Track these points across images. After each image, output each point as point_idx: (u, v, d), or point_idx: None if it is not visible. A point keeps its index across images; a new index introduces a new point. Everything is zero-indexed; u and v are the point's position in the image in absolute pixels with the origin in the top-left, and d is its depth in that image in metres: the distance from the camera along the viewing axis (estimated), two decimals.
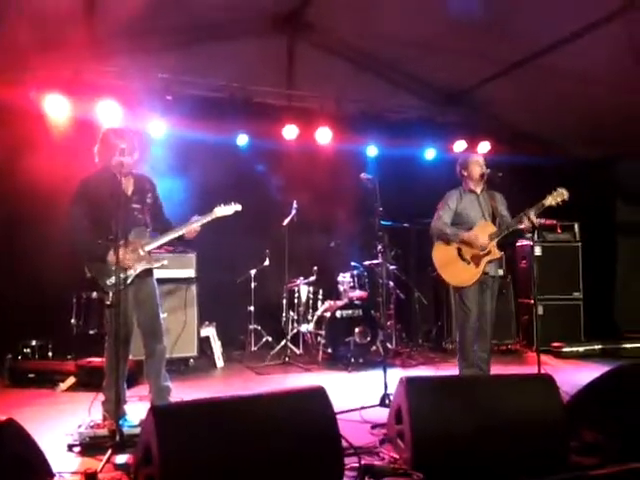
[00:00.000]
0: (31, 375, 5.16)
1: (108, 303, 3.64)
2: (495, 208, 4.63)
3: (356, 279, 6.69)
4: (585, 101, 6.51)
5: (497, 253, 4.52)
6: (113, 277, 3.54)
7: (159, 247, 4.04)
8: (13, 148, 5.84)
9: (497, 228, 4.52)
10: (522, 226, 4.37)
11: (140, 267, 3.83)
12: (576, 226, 7.30)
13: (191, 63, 6.24)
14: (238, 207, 4.18)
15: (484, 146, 7.71)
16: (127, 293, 3.76)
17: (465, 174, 4.71)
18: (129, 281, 3.77)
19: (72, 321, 5.80)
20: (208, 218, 4.04)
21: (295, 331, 6.83)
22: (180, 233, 3.95)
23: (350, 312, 6.26)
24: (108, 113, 6.09)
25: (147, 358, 3.96)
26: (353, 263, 6.81)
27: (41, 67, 5.69)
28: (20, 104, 5.79)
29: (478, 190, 4.69)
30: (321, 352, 6.27)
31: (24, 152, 5.85)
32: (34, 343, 5.65)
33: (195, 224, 3.97)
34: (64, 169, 5.89)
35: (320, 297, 7.00)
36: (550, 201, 4.27)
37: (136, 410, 3.86)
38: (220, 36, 6.37)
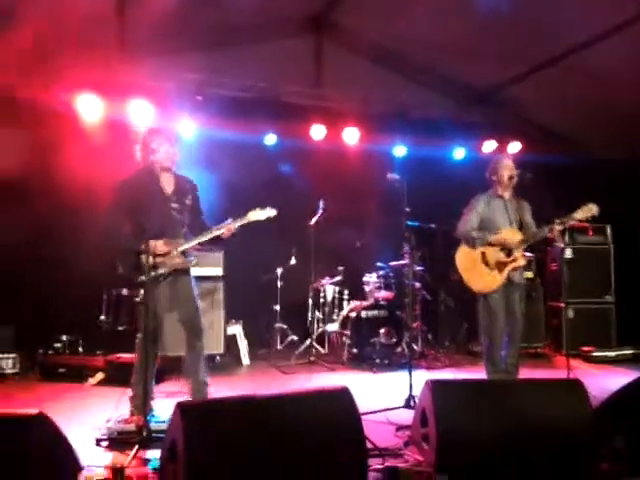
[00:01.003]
0: (61, 369, 5.28)
1: (138, 300, 3.75)
2: (522, 217, 4.58)
3: (382, 279, 6.66)
4: (616, 101, 6.39)
5: (522, 261, 4.46)
6: (143, 275, 3.65)
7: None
8: (47, 148, 5.99)
9: (524, 236, 4.45)
10: (550, 235, 4.34)
11: (172, 266, 3.88)
12: (608, 228, 7.15)
13: (220, 63, 6.30)
14: (273, 212, 4.14)
15: (514, 146, 7.62)
16: (159, 291, 3.85)
17: (494, 179, 4.64)
18: (161, 279, 3.84)
19: (102, 317, 5.91)
20: (242, 222, 4.04)
21: (320, 330, 6.84)
22: (213, 235, 3.98)
23: (376, 312, 6.24)
24: (140, 113, 6.20)
25: (187, 353, 4.04)
26: (379, 263, 6.78)
27: (73, 68, 5.79)
28: (53, 105, 5.92)
29: (506, 195, 4.62)
30: (346, 352, 6.26)
31: (58, 152, 5.98)
32: (65, 338, 5.77)
33: (228, 227, 3.98)
34: (97, 169, 6.01)
35: (346, 297, 6.99)
36: (580, 216, 4.25)
37: (164, 406, 3.91)
38: (249, 37, 6.42)
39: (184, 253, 3.95)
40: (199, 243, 4.00)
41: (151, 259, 3.73)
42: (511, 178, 4.54)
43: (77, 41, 5.43)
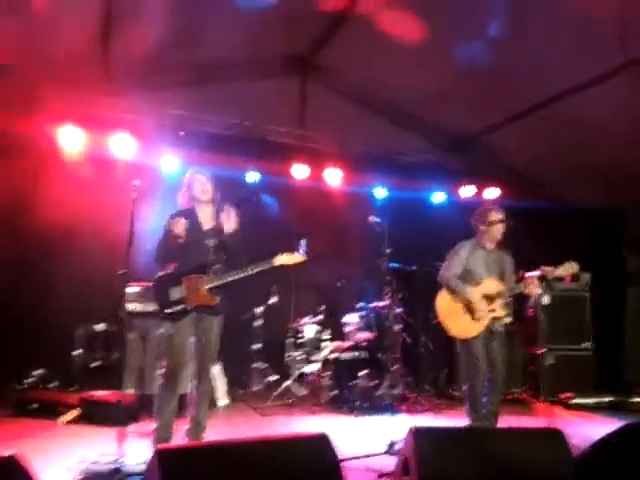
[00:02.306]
0: (35, 405, 5.12)
1: (168, 333, 3.88)
2: (503, 271, 4.59)
3: (363, 320, 6.63)
4: (593, 150, 6.58)
5: (502, 313, 4.48)
6: (168, 309, 3.83)
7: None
8: (28, 181, 5.94)
9: (503, 288, 4.47)
10: (526, 291, 4.40)
11: (197, 302, 3.90)
12: (586, 276, 7.24)
13: (204, 100, 6.36)
14: (300, 258, 4.11)
15: (493, 192, 7.76)
16: (181, 326, 3.90)
17: (482, 228, 4.59)
18: (186, 314, 3.90)
19: (76, 352, 5.78)
20: (267, 265, 4.01)
21: (300, 372, 6.75)
22: (240, 276, 3.95)
23: (356, 354, 6.20)
24: (122, 146, 6.21)
25: (193, 391, 4.03)
26: (360, 304, 6.77)
27: (56, 100, 5.81)
28: (35, 136, 5.90)
29: (490, 246, 4.63)
30: (326, 394, 6.17)
31: (38, 184, 5.95)
32: (38, 372, 5.62)
33: (255, 269, 3.96)
34: (78, 202, 6.00)
35: (326, 337, 6.92)
36: (560, 272, 4.33)
37: (139, 447, 3.81)
38: (233, 75, 6.53)
39: (211, 291, 3.94)
40: (226, 282, 3.97)
41: (177, 293, 3.86)
42: (501, 230, 4.56)
43: (61, 74, 5.46)
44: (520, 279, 4.57)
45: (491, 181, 7.81)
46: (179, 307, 3.87)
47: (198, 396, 4.03)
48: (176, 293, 3.89)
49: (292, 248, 6.46)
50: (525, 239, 5.20)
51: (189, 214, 4.05)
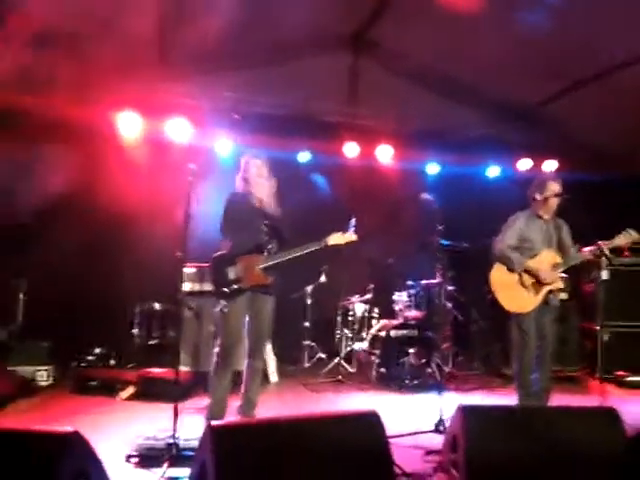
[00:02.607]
0: (93, 383, 5.34)
1: (224, 311, 3.98)
2: (561, 238, 4.50)
3: (413, 298, 6.61)
4: None
5: (559, 284, 4.38)
6: (225, 287, 3.95)
7: None
8: (89, 166, 6.15)
9: (563, 260, 4.38)
10: (588, 260, 4.30)
11: (252, 282, 3.99)
12: None
13: (257, 82, 6.38)
14: (353, 237, 4.16)
15: (551, 164, 7.53)
16: (237, 305, 3.99)
17: (539, 198, 4.50)
18: (241, 294, 3.99)
19: (134, 331, 6.00)
20: (322, 245, 4.08)
21: (349, 349, 6.81)
22: (294, 256, 4.04)
23: (405, 332, 6.18)
24: (178, 131, 6.35)
25: (245, 369, 4.16)
26: (410, 282, 6.74)
27: (115, 86, 5.95)
28: (95, 124, 6.09)
29: (547, 217, 4.53)
30: (374, 371, 6.21)
31: (99, 169, 6.17)
32: (98, 351, 5.87)
33: (308, 249, 4.05)
34: (136, 186, 6.18)
35: (375, 315, 6.95)
36: (620, 241, 4.21)
37: (194, 422, 3.94)
38: (286, 55, 6.49)
39: (266, 271, 4.03)
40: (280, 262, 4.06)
41: (233, 273, 3.97)
42: (557, 200, 4.46)
43: (119, 60, 5.57)
44: (579, 250, 4.45)
45: (549, 153, 7.58)
46: (235, 286, 3.97)
47: (251, 374, 4.13)
48: (232, 272, 3.99)
49: (343, 227, 6.55)
50: (583, 213, 5.02)
51: (245, 196, 4.13)
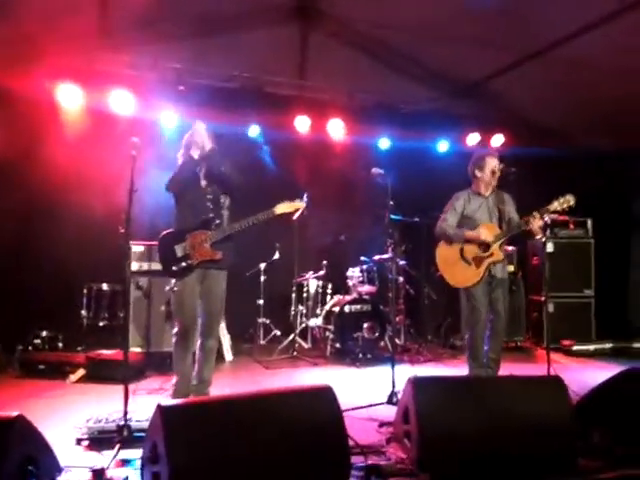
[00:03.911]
0: (41, 366, 5.19)
1: (174, 290, 3.97)
2: (503, 211, 4.55)
3: (365, 274, 6.66)
4: (601, 93, 6.40)
5: (500, 255, 4.46)
6: (174, 266, 3.91)
7: None
8: (27, 138, 5.88)
9: (503, 230, 4.46)
10: (527, 228, 4.32)
11: (201, 258, 3.94)
12: (589, 222, 7.21)
13: (203, 53, 6.20)
14: (301, 205, 4.17)
15: (498, 139, 7.66)
16: (189, 283, 3.95)
17: (478, 175, 4.58)
18: (191, 271, 3.94)
19: (82, 312, 5.84)
20: (269, 215, 4.06)
21: (304, 325, 6.83)
22: (241, 228, 4.02)
23: (359, 307, 6.24)
24: (121, 102, 6.14)
25: (198, 348, 4.11)
26: (362, 258, 6.78)
27: (54, 57, 5.70)
28: (33, 94, 5.85)
29: (487, 193, 4.60)
30: (329, 347, 6.27)
31: (38, 142, 5.91)
32: (44, 334, 5.70)
33: (256, 220, 4.02)
34: (77, 159, 5.96)
35: (329, 291, 6.99)
36: (556, 206, 4.24)
37: (145, 404, 3.87)
38: (232, 26, 6.32)
39: (215, 246, 3.97)
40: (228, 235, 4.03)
41: (182, 250, 3.93)
42: (494, 174, 4.52)
43: (58, 29, 5.32)
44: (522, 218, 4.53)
45: (497, 128, 7.68)
46: (184, 263, 3.92)
47: (204, 353, 4.09)
48: (180, 250, 3.94)
49: (294, 201, 6.50)
50: (528, 186, 5.13)
51: (189, 170, 4.05)
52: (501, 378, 4.17)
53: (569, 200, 4.23)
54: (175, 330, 4.01)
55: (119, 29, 5.75)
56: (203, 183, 4.11)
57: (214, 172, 4.10)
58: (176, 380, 4.02)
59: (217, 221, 4.03)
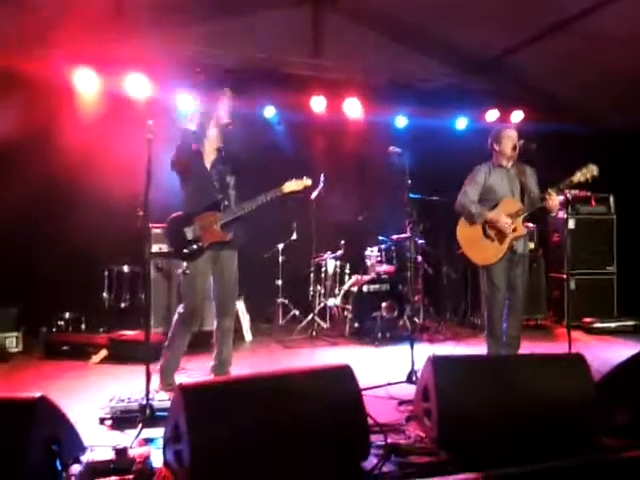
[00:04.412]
0: (65, 347, 5.27)
1: (187, 272, 3.94)
2: (524, 184, 4.49)
3: (383, 253, 6.64)
4: (622, 68, 6.26)
5: (522, 230, 4.41)
6: (185, 249, 3.89)
7: None
8: (44, 122, 5.91)
9: (524, 205, 4.40)
10: (546, 204, 4.25)
11: (211, 240, 3.95)
12: (611, 198, 7.09)
13: (218, 35, 6.17)
14: (308, 182, 4.16)
15: (517, 115, 7.55)
16: (199, 265, 3.95)
17: (497, 149, 4.54)
18: (203, 253, 3.94)
19: (104, 294, 5.92)
20: (277, 193, 4.05)
21: (322, 305, 6.84)
22: (251, 208, 4.00)
23: (377, 286, 6.23)
24: (137, 86, 6.15)
25: (216, 329, 4.15)
26: (381, 237, 6.75)
27: (70, 41, 5.70)
28: (50, 78, 5.89)
29: (508, 165, 4.55)
30: (348, 326, 6.28)
31: (55, 126, 5.94)
32: (68, 316, 5.79)
33: (264, 200, 4.01)
34: (95, 142, 5.99)
35: (347, 271, 6.98)
36: (579, 177, 4.15)
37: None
38: (247, 8, 6.27)
39: (224, 227, 3.97)
40: (238, 217, 4.02)
41: (192, 233, 3.91)
42: (514, 149, 4.45)
43: (74, 13, 5.32)
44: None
45: (516, 104, 7.56)
46: (195, 246, 3.92)
47: (222, 333, 4.13)
48: (190, 233, 3.93)
49: (313, 182, 6.46)
50: (549, 163, 5.04)
51: (196, 154, 4.03)
52: (522, 356, 4.14)
53: (592, 170, 4.14)
54: (181, 310, 4.02)
55: (134, 12, 5.74)
56: (208, 164, 4.06)
57: (232, 149, 4.10)
58: (165, 360, 4.00)
59: (225, 202, 4.01)
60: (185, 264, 3.96)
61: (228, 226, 3.99)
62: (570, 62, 6.57)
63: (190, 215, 3.97)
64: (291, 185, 4.08)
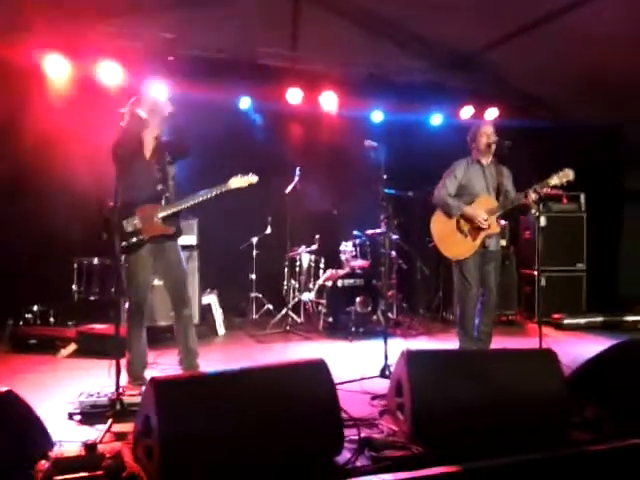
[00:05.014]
0: (32, 341, 5.17)
1: (126, 266, 3.86)
2: (501, 183, 4.57)
3: (358, 248, 6.64)
4: (596, 65, 6.34)
5: (496, 228, 4.48)
6: (124, 242, 3.76)
7: None
8: (15, 108, 5.76)
9: (499, 203, 4.47)
10: (524, 202, 4.34)
11: (151, 233, 3.86)
12: (582, 196, 7.20)
13: (193, 23, 6.06)
14: (254, 179, 4.09)
15: (492, 112, 7.59)
16: (143, 258, 3.86)
17: (474, 145, 4.62)
18: (143, 246, 3.85)
19: (73, 287, 5.80)
20: (223, 189, 3.98)
21: (296, 300, 6.82)
22: (194, 203, 3.93)
23: (351, 281, 6.24)
24: (109, 74, 6.03)
25: (175, 322, 4.07)
26: (355, 232, 6.75)
27: (41, 27, 5.55)
28: (20, 64, 5.72)
29: (485, 162, 4.61)
30: (322, 321, 6.28)
31: (26, 112, 5.79)
32: (36, 309, 5.66)
33: (209, 195, 3.94)
34: (65, 130, 5.86)
35: (322, 266, 6.98)
36: (555, 181, 4.25)
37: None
38: None
39: (166, 220, 3.89)
40: (180, 210, 3.95)
41: (131, 225, 3.80)
42: (489, 145, 4.52)
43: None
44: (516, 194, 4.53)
45: (491, 101, 7.61)
46: (134, 239, 3.81)
47: (182, 323, 4.04)
48: (130, 225, 3.82)
49: (288, 175, 6.42)
50: (523, 159, 5.11)
51: (135, 142, 3.90)
52: (493, 351, 4.20)
53: (568, 174, 4.23)
54: (127, 306, 3.94)
55: None
56: (147, 153, 3.94)
57: (179, 135, 4.05)
58: (129, 360, 3.92)
59: (167, 194, 3.92)
60: (123, 257, 3.84)
61: (169, 219, 3.91)
62: (544, 59, 6.63)
63: (129, 206, 3.82)
64: (237, 181, 4.01)
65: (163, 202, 3.90)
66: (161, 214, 3.87)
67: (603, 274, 7.36)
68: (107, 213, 3.84)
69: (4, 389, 2.42)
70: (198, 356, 4.09)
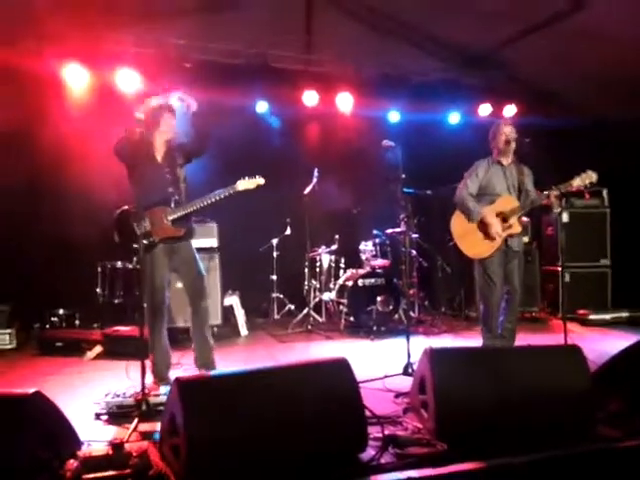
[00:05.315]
0: (59, 344, 5.24)
1: (135, 268, 3.85)
2: (522, 182, 4.53)
3: (378, 247, 6.64)
4: (616, 61, 6.26)
5: (518, 228, 4.44)
6: (136, 244, 3.77)
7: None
8: (34, 116, 5.86)
9: (520, 203, 4.44)
10: (546, 202, 4.33)
11: (162, 235, 3.89)
12: (604, 192, 7.11)
13: (208, 29, 6.13)
14: (261, 181, 4.11)
15: (510, 109, 7.53)
16: (155, 257, 3.90)
17: (493, 144, 4.59)
18: (156, 247, 3.89)
19: (97, 290, 5.88)
20: (230, 191, 4.01)
21: (317, 299, 6.83)
22: (203, 205, 3.95)
23: (372, 280, 6.24)
24: (126, 81, 6.12)
25: (192, 317, 4.09)
26: (375, 231, 6.75)
27: (59, 36, 5.65)
28: (40, 72, 5.84)
29: (506, 162, 4.57)
30: (343, 320, 6.28)
31: (45, 120, 5.90)
32: (61, 312, 5.76)
33: (217, 197, 3.96)
34: (85, 137, 5.94)
35: (342, 265, 6.98)
36: (578, 182, 4.22)
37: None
38: (237, 2, 6.23)
39: (175, 222, 3.93)
40: (190, 212, 3.98)
41: (142, 228, 3.85)
42: (508, 143, 4.48)
43: (63, 8, 5.27)
44: (537, 194, 4.50)
45: (509, 98, 7.56)
46: (145, 241, 3.84)
47: (198, 317, 4.06)
48: (140, 228, 3.86)
49: (306, 176, 6.43)
50: (543, 157, 5.05)
51: (145, 144, 3.96)
52: (518, 348, 4.15)
53: (591, 176, 4.20)
54: (146, 308, 3.96)
55: (124, 7, 5.69)
56: (159, 156, 3.99)
57: (183, 141, 4.09)
58: (154, 361, 3.95)
59: (176, 196, 3.96)
60: (135, 259, 3.89)
61: (179, 221, 3.94)
62: (562, 56, 6.57)
63: (140, 209, 3.89)
64: (244, 183, 4.03)
65: (172, 204, 3.93)
66: (170, 217, 3.91)
67: (628, 269, 7.24)
68: (119, 216, 3.92)
69: (32, 391, 2.45)
70: (212, 351, 4.10)
